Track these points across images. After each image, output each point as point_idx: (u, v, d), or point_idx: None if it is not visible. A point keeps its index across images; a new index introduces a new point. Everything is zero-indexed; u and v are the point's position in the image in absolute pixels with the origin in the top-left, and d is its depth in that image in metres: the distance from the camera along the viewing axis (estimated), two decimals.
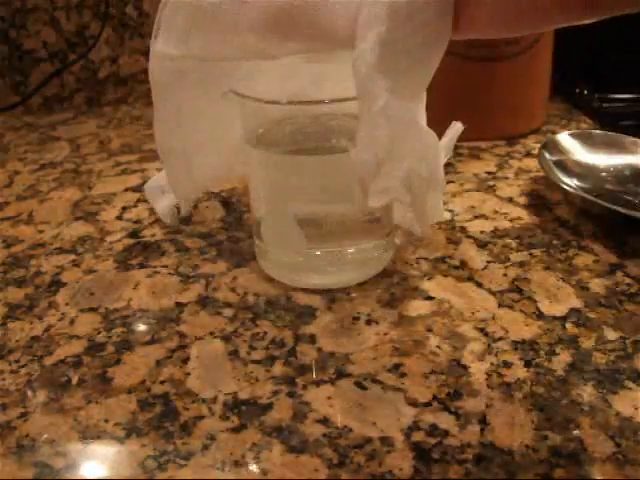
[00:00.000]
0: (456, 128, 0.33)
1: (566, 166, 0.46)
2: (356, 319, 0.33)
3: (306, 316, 0.33)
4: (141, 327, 0.33)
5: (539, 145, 0.49)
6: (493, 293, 0.35)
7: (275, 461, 0.25)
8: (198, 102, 0.33)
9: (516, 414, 0.26)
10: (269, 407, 0.27)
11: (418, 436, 0.25)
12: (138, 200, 0.49)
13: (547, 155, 0.47)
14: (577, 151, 0.48)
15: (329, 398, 0.28)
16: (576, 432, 0.25)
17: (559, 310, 0.33)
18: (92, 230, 0.44)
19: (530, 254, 0.38)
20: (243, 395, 0.28)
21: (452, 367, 0.29)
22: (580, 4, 0.23)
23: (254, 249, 0.38)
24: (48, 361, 0.31)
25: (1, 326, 0.34)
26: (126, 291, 0.36)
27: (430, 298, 0.34)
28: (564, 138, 0.49)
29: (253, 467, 0.24)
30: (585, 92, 0.69)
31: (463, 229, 0.42)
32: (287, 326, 0.33)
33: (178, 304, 0.35)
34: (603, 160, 0.48)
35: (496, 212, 0.44)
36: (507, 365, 0.29)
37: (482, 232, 0.41)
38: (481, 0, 0.24)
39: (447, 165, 0.38)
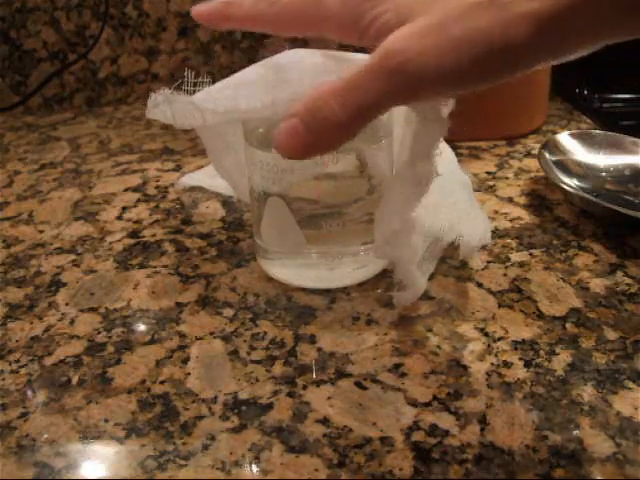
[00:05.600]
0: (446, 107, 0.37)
1: (566, 166, 0.46)
2: (356, 319, 0.33)
3: (306, 316, 0.33)
4: (141, 327, 0.33)
5: (539, 145, 0.49)
6: (493, 293, 0.35)
7: (275, 461, 0.25)
8: (225, 137, 0.39)
9: (516, 414, 0.26)
10: (269, 407, 0.27)
11: (418, 436, 0.25)
12: (138, 200, 0.49)
13: (547, 155, 0.47)
14: (577, 151, 0.48)
15: (329, 398, 0.28)
16: (576, 432, 0.25)
17: (559, 310, 0.33)
18: (92, 230, 0.44)
19: (530, 254, 0.38)
20: (243, 395, 0.28)
21: (452, 367, 0.29)
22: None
23: (254, 249, 0.38)
24: (48, 361, 0.31)
25: (1, 326, 0.34)
26: (126, 291, 0.36)
27: (430, 298, 0.34)
28: (564, 138, 0.49)
29: (253, 467, 0.24)
30: (585, 92, 0.69)
31: None
32: (287, 326, 0.33)
33: (178, 304, 0.35)
34: (603, 160, 0.48)
35: (496, 212, 0.44)
36: (507, 365, 0.29)
37: None
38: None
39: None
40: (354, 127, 0.24)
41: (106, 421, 0.27)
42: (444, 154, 0.39)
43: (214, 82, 0.32)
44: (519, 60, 0.24)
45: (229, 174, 0.42)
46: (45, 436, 0.26)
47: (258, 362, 0.30)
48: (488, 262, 0.38)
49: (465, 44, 0.23)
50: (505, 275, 0.36)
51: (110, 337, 0.33)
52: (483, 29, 0.23)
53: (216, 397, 0.28)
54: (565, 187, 0.42)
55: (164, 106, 0.32)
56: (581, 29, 0.23)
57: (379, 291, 0.35)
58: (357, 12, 0.26)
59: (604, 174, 0.47)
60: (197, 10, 0.31)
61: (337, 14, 0.27)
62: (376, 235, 0.32)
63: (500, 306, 0.33)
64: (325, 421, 0.26)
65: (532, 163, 0.52)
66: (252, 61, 0.32)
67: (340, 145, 0.25)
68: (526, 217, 0.43)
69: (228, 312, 0.34)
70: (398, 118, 0.33)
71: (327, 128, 0.24)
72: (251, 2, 0.29)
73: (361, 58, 0.29)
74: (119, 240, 0.43)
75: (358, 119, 0.24)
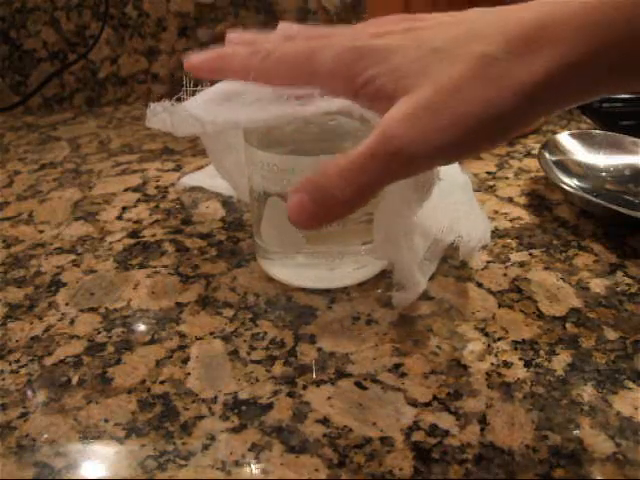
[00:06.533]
0: None
1: (566, 166, 0.46)
2: (356, 319, 0.33)
3: (306, 316, 0.33)
4: (141, 327, 0.33)
5: (539, 145, 0.49)
6: (493, 293, 0.35)
7: (275, 461, 0.25)
8: (226, 138, 0.40)
9: (516, 414, 0.26)
10: (269, 407, 0.27)
11: (418, 436, 0.25)
12: (138, 200, 0.49)
13: (547, 155, 0.47)
14: (577, 151, 0.48)
15: (329, 398, 0.28)
16: (576, 432, 0.25)
17: (559, 310, 0.33)
18: (92, 230, 0.44)
19: (530, 254, 0.38)
20: (243, 395, 0.28)
21: (452, 367, 0.29)
22: None
23: (254, 249, 0.38)
24: (48, 361, 0.31)
25: (1, 326, 0.34)
26: (126, 291, 0.36)
27: (430, 298, 0.34)
28: (564, 138, 0.49)
29: (253, 467, 0.24)
30: None
31: None
32: (287, 326, 0.33)
33: (178, 304, 0.35)
34: (603, 160, 0.48)
35: (496, 212, 0.44)
36: (507, 365, 0.29)
37: None
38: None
39: None
40: (358, 203, 0.26)
41: (106, 421, 0.27)
42: None
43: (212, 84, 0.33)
44: (510, 128, 0.25)
45: (229, 174, 0.42)
46: (45, 436, 0.26)
47: (258, 362, 0.30)
48: (488, 262, 0.38)
49: (455, 124, 0.24)
50: (505, 275, 0.36)
51: (110, 337, 0.33)
52: (473, 105, 0.24)
53: (216, 397, 0.28)
54: (565, 187, 0.42)
55: (164, 115, 0.33)
56: (570, 95, 0.25)
57: (379, 291, 0.35)
58: (350, 70, 0.27)
59: (604, 174, 0.47)
60: (190, 62, 0.32)
61: (329, 70, 0.28)
62: (375, 236, 0.32)
63: (500, 306, 0.33)
64: (325, 421, 0.26)
65: (532, 163, 0.52)
66: None
67: (344, 217, 0.27)
68: (526, 217, 0.43)
69: (228, 312, 0.34)
70: None
71: (333, 204, 0.26)
72: (243, 56, 0.31)
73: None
74: (119, 240, 0.43)
75: (361, 196, 0.26)
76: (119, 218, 0.46)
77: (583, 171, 0.46)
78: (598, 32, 0.22)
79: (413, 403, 0.27)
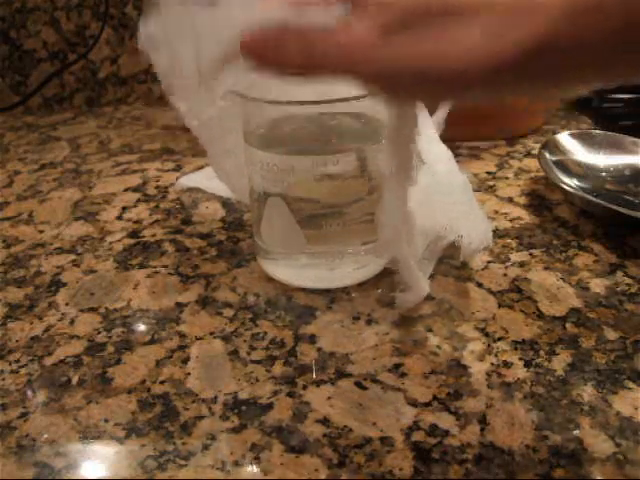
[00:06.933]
0: (443, 109, 0.40)
1: (566, 166, 0.46)
2: (356, 319, 0.33)
3: (306, 316, 0.33)
4: (141, 327, 0.33)
5: (539, 145, 0.49)
6: (493, 293, 0.35)
7: (275, 461, 0.25)
8: (225, 144, 0.39)
9: (516, 414, 0.26)
10: (269, 407, 0.27)
11: (418, 436, 0.25)
12: (138, 200, 0.49)
13: (547, 155, 0.47)
14: (577, 151, 0.48)
15: (329, 398, 0.28)
16: (576, 432, 0.25)
17: (559, 310, 0.33)
18: (92, 230, 0.44)
19: (530, 254, 0.38)
20: (243, 395, 0.28)
21: (452, 367, 0.29)
22: None
23: (254, 249, 0.38)
24: (48, 361, 0.31)
25: (1, 326, 0.34)
26: (126, 291, 0.36)
27: (430, 298, 0.34)
28: (564, 138, 0.49)
29: (253, 467, 0.24)
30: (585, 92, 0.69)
31: None
32: (287, 326, 0.33)
33: (178, 304, 0.35)
34: (603, 160, 0.48)
35: (496, 212, 0.44)
36: (507, 365, 0.29)
37: None
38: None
39: None
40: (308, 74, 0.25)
41: (106, 421, 0.27)
42: (442, 155, 0.39)
43: None
44: (504, 82, 0.23)
45: (228, 177, 0.42)
46: (45, 436, 0.26)
47: (258, 362, 0.30)
48: (488, 262, 0.38)
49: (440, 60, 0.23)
50: (505, 275, 0.36)
51: (110, 337, 0.33)
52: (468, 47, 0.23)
53: (216, 397, 0.28)
54: (565, 187, 0.42)
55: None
56: (573, 67, 0.23)
57: (379, 291, 0.35)
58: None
59: (604, 174, 0.47)
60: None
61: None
62: (379, 234, 0.32)
63: (500, 306, 0.33)
64: (325, 421, 0.26)
65: (532, 163, 0.52)
66: None
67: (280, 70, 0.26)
68: (526, 217, 0.43)
69: (228, 312, 0.34)
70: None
71: (284, 59, 0.25)
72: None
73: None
74: (119, 240, 0.43)
75: (308, 74, 0.25)
76: (119, 218, 0.46)
77: (583, 171, 0.46)
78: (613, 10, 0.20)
79: (413, 403, 0.27)
